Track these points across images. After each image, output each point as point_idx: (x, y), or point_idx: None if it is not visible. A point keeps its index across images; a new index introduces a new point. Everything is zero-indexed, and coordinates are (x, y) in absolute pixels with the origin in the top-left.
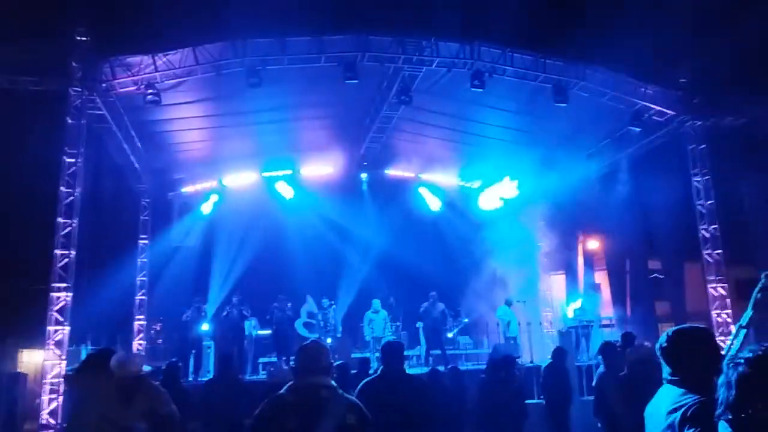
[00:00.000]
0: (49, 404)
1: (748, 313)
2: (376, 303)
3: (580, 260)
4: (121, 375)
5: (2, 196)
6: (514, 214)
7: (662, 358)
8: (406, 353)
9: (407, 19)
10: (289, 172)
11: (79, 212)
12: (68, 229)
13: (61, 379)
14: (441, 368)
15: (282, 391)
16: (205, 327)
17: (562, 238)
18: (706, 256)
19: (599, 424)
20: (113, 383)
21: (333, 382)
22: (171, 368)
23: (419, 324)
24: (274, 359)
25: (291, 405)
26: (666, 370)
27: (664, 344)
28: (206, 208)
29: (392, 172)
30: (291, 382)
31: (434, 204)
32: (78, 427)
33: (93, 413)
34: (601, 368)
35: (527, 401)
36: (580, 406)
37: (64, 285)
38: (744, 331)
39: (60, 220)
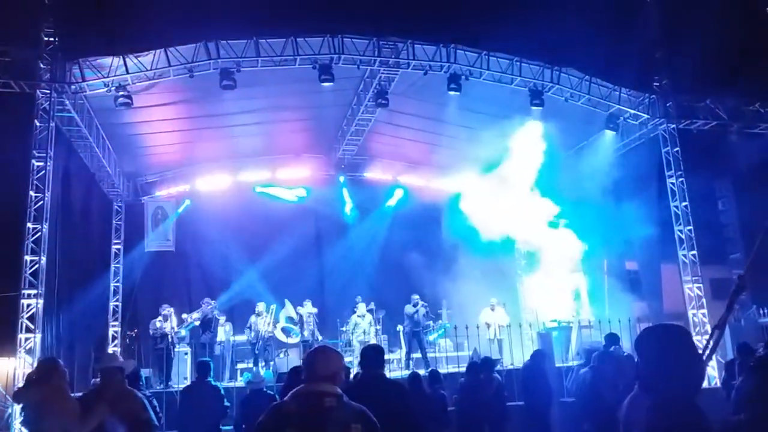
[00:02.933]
0: (22, 413)
1: (724, 314)
2: (362, 306)
3: (559, 262)
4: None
5: None
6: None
7: (638, 356)
8: (386, 357)
9: (383, 21)
10: (267, 175)
11: (50, 217)
12: (38, 234)
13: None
14: (421, 372)
15: (286, 398)
16: (182, 333)
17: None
18: (682, 257)
19: (585, 427)
20: (63, 394)
21: (339, 390)
22: (131, 376)
23: (399, 327)
24: (251, 365)
25: (292, 414)
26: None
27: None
28: (180, 212)
29: (370, 174)
30: (295, 389)
31: (410, 206)
32: None
33: (54, 426)
34: (588, 372)
35: (509, 403)
36: (562, 407)
37: (34, 291)
38: (718, 332)
39: (29, 225)
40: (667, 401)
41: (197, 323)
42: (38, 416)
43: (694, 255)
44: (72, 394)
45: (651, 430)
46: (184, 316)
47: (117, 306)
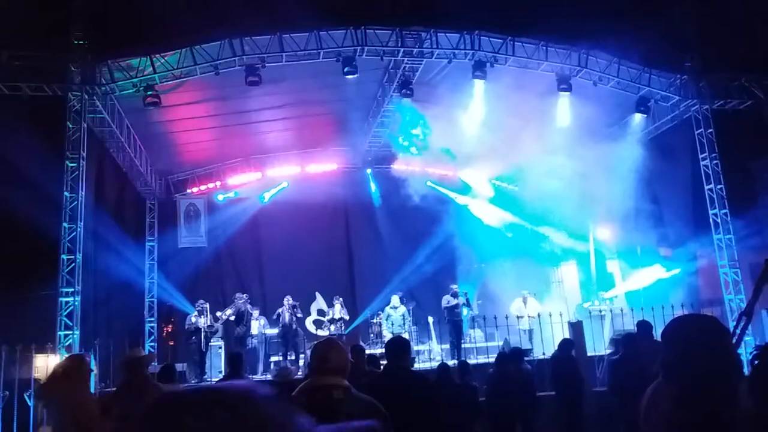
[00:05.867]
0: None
1: (751, 300)
2: (395, 299)
3: (592, 249)
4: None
5: (8, 203)
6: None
7: (666, 346)
8: (416, 349)
9: (405, 10)
10: (296, 169)
11: (85, 216)
12: (73, 233)
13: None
14: (450, 363)
15: (293, 393)
16: (215, 327)
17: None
18: (718, 242)
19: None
20: (83, 392)
21: (346, 382)
22: (166, 370)
23: (430, 319)
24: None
25: (301, 408)
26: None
27: (669, 330)
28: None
29: (398, 166)
30: (303, 384)
31: (439, 197)
32: None
33: (70, 424)
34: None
35: (541, 393)
36: (593, 397)
37: (71, 290)
38: (746, 318)
39: (65, 224)
40: (692, 393)
41: (232, 318)
42: (58, 413)
43: (730, 239)
44: (108, 389)
45: (674, 422)
46: (219, 313)
47: (153, 302)
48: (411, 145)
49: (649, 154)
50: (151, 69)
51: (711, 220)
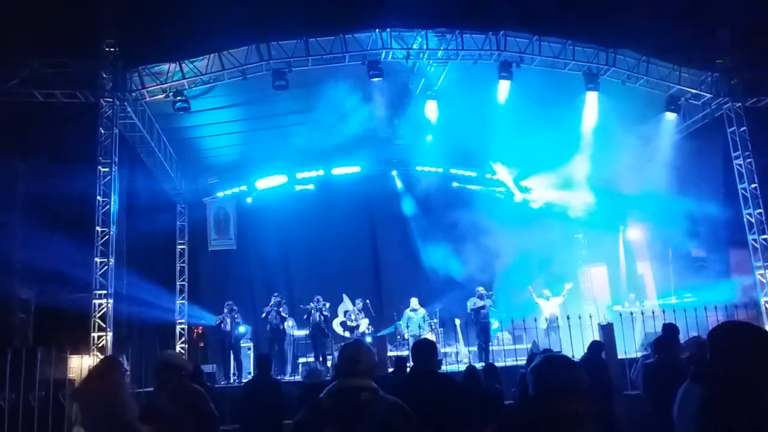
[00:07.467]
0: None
1: None
2: (414, 301)
3: (622, 251)
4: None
5: (43, 207)
6: (552, 206)
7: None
8: (442, 351)
9: (430, 12)
10: (320, 172)
11: (117, 220)
12: (106, 237)
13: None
14: (478, 366)
15: (321, 395)
16: (242, 329)
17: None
18: (752, 242)
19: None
20: (122, 389)
21: (374, 384)
22: (193, 371)
23: (457, 321)
24: (312, 359)
25: (329, 410)
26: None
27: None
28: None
29: (423, 167)
30: (331, 385)
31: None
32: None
33: (114, 421)
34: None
35: None
36: (629, 401)
37: (105, 292)
38: None
39: (98, 228)
40: (722, 394)
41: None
42: (94, 414)
43: (765, 239)
44: (140, 390)
45: (704, 423)
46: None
47: (183, 304)
48: (437, 147)
49: (680, 152)
50: (180, 75)
51: (745, 219)
